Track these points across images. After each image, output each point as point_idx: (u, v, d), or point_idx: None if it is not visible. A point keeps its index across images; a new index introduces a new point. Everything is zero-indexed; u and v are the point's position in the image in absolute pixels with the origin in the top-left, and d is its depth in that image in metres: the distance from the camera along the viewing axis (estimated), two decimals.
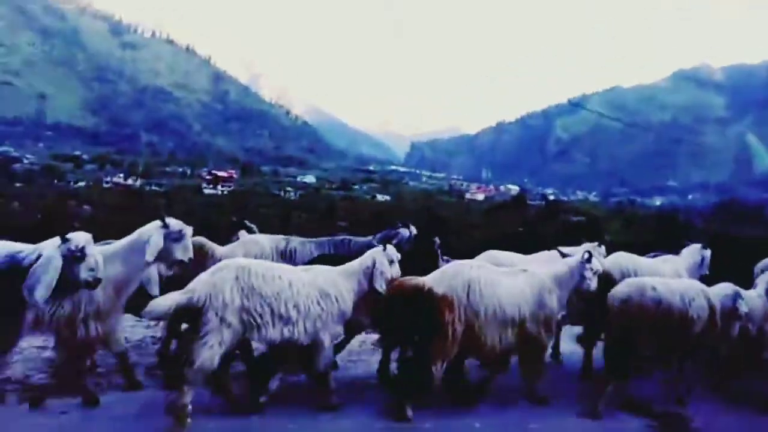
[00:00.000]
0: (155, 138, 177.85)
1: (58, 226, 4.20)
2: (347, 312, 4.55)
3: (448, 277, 4.65)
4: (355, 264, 4.71)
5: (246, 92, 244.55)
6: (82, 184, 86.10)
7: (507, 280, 4.79)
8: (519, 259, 6.06)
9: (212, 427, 4.19)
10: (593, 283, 4.98)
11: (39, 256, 3.65)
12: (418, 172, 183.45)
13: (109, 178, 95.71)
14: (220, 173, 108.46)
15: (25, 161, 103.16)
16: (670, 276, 5.89)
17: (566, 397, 5.10)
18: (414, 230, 6.39)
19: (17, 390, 4.74)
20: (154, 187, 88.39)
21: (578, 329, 7.13)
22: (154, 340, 6.39)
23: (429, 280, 4.65)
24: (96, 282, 3.90)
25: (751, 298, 5.38)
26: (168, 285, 4.68)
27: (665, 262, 6.35)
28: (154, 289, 4.65)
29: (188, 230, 4.57)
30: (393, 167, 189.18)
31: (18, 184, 75.48)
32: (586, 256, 4.99)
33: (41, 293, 3.57)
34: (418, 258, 5.13)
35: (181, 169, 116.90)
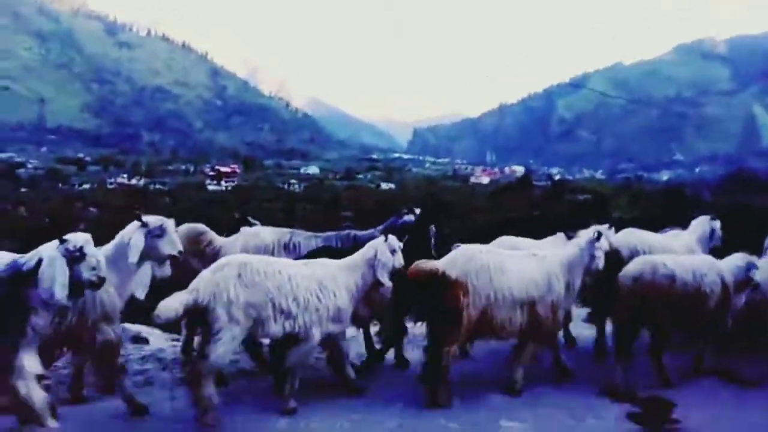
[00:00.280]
0: (157, 137, 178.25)
1: (66, 229, 4.13)
2: (343, 309, 4.48)
3: (461, 261, 4.64)
4: (357, 257, 4.66)
5: (245, 86, 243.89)
6: (86, 186, 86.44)
7: (518, 264, 4.78)
8: (533, 244, 5.99)
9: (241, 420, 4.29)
10: (601, 262, 4.96)
11: (39, 261, 3.60)
12: (421, 158, 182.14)
13: (112, 179, 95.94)
14: (224, 169, 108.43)
15: (29, 166, 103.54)
16: (682, 251, 5.81)
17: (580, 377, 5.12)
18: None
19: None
20: (158, 186, 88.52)
21: (583, 312, 7.05)
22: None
23: (442, 264, 4.64)
24: (100, 281, 3.81)
25: (763, 269, 5.29)
26: (169, 285, 4.60)
27: (675, 237, 6.25)
28: (141, 294, 4.49)
29: (169, 224, 4.44)
30: (396, 155, 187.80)
31: (23, 189, 76.01)
32: (596, 234, 4.95)
33: (60, 292, 3.54)
34: (413, 247, 5.03)
35: (183, 167, 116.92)
